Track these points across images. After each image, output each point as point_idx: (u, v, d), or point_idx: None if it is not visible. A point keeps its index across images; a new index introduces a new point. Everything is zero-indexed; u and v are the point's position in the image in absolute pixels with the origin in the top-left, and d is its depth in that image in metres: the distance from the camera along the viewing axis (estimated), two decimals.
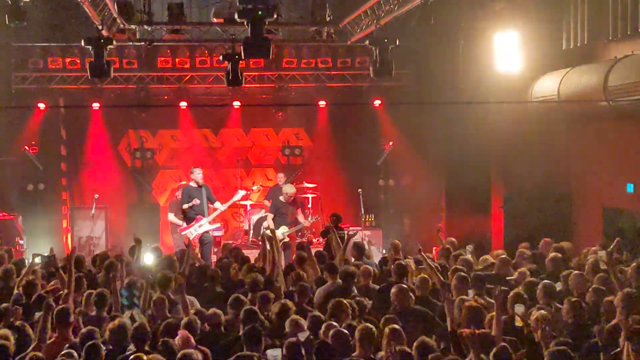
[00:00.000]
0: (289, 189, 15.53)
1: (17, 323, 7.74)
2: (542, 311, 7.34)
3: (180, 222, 15.66)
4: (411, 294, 8.53)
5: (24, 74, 16.10)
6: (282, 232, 15.16)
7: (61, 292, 8.85)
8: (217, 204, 14.81)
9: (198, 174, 14.72)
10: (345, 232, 13.86)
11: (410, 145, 17.16)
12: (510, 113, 14.22)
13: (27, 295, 8.76)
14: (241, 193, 15.64)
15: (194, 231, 14.47)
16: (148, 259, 11.23)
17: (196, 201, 14.38)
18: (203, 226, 14.64)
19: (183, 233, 14.71)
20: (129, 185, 17.76)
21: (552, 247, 10.94)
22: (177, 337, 7.16)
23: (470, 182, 15.08)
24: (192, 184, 14.80)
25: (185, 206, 14.56)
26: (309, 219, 16.00)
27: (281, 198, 15.44)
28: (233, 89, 16.44)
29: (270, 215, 15.32)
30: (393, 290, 8.43)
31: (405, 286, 8.60)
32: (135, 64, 16.33)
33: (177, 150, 18.27)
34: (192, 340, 7.13)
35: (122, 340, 7.23)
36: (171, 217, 15.71)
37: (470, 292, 8.77)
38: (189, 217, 14.63)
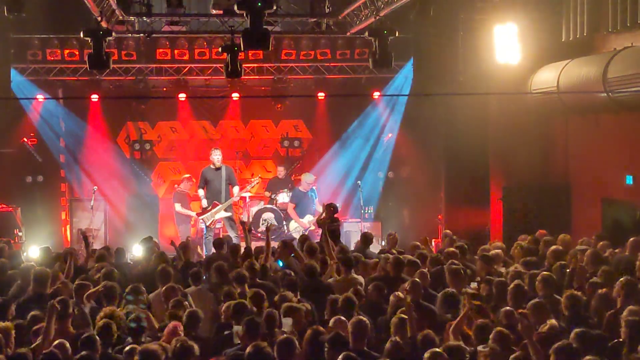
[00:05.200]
0: (309, 178, 15.57)
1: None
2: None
3: (188, 212, 15.71)
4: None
5: (22, 65, 16.05)
6: (307, 220, 15.24)
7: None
8: (235, 189, 14.96)
9: (215, 155, 14.83)
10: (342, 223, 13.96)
11: (409, 137, 17.16)
12: (509, 105, 14.23)
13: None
14: (256, 180, 15.76)
15: (210, 217, 14.56)
16: (137, 250, 11.23)
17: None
18: (219, 213, 14.71)
19: (200, 218, 14.80)
20: (128, 176, 17.73)
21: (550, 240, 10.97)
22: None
23: (469, 174, 15.10)
24: (211, 165, 14.92)
25: (201, 193, 14.66)
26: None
27: (301, 188, 15.49)
28: (232, 81, 16.42)
29: (292, 205, 15.39)
30: (406, 284, 8.43)
31: (418, 280, 8.60)
32: (134, 56, 16.29)
33: (176, 142, 18.26)
34: (179, 329, 7.17)
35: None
36: (178, 207, 15.80)
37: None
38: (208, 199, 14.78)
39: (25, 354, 6.58)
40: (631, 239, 10.15)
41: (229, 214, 15.12)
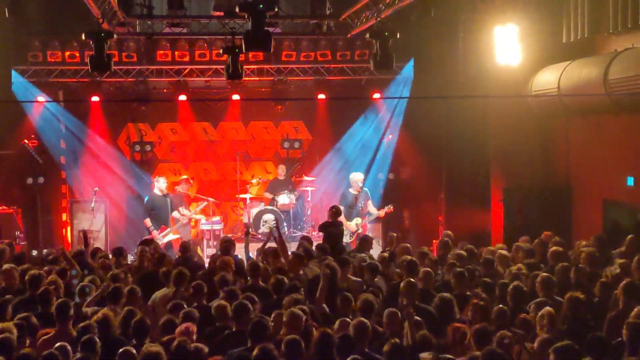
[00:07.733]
0: (358, 176, 15.29)
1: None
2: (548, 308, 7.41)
3: (181, 217, 15.65)
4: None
5: (23, 67, 16.06)
6: (355, 223, 14.99)
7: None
8: (175, 213, 15.06)
9: (163, 183, 14.85)
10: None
11: (410, 139, 17.16)
12: (510, 105, 14.22)
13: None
14: (202, 205, 15.77)
15: (160, 239, 14.52)
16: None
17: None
18: (167, 236, 14.72)
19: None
20: (129, 178, 17.74)
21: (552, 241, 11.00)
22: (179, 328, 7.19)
23: (469, 175, 15.09)
24: (157, 191, 14.88)
25: (148, 222, 14.70)
26: (385, 208, 15.68)
27: (351, 190, 15.25)
28: (232, 82, 16.40)
29: (341, 208, 15.16)
30: (402, 285, 8.44)
31: (413, 280, 8.60)
32: (135, 57, 16.27)
33: (177, 144, 18.27)
34: (192, 329, 7.17)
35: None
36: (175, 214, 15.79)
37: None
38: (155, 225, 14.79)
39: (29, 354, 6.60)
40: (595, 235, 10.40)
41: (177, 236, 15.01)
